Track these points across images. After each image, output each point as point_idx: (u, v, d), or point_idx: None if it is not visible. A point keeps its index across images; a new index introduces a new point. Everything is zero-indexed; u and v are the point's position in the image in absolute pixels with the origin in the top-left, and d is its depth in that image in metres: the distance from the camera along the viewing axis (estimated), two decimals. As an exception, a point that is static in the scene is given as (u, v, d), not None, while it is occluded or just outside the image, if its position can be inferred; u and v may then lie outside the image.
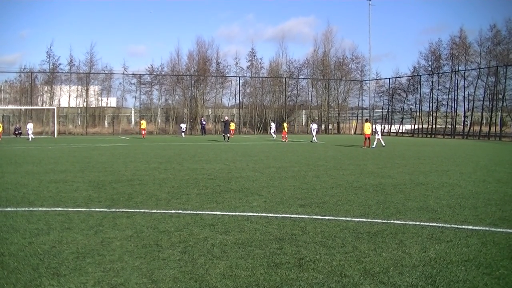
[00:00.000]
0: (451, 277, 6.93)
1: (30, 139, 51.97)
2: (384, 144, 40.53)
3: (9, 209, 11.93)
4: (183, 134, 62.32)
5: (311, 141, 49.01)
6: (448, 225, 10.21)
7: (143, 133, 59.57)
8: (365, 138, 40.61)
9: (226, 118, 57.61)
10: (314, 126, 51.40)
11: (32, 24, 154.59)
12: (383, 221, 10.65)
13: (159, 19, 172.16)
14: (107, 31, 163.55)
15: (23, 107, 73.51)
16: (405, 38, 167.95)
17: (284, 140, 51.96)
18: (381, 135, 41.26)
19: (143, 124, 60.81)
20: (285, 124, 55.37)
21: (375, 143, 40.07)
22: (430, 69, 75.38)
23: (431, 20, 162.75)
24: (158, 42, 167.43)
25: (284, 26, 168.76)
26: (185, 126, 67.68)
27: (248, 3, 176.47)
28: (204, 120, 71.91)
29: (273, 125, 61.79)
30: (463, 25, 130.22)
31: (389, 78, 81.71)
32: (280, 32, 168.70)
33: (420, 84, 75.92)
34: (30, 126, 54.82)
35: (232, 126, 57.64)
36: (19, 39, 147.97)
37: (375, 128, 41.35)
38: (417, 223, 10.44)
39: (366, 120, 43.78)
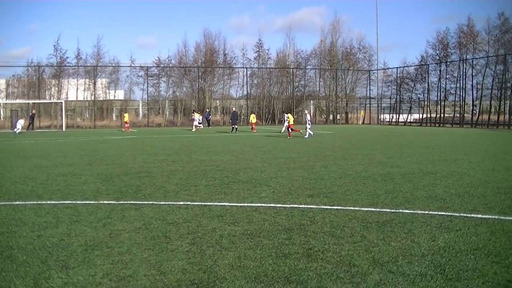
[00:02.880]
0: (460, 266, 6.92)
1: (17, 132, 52.22)
2: (307, 135, 39.92)
3: (17, 202, 11.98)
4: (201, 125, 61.61)
5: (281, 131, 48.44)
6: (457, 214, 10.19)
7: (125, 126, 58.76)
8: (291, 129, 41.19)
9: (234, 109, 57.34)
10: (286, 117, 51.16)
11: (41, 18, 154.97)
12: (392, 210, 10.65)
13: (167, 11, 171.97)
14: (113, 24, 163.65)
15: (31, 101, 73.53)
16: (413, 28, 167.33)
17: (253, 131, 51.92)
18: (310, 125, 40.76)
19: (126, 117, 60.42)
20: (252, 115, 55.12)
21: (307, 133, 39.94)
22: (438, 58, 74.99)
23: (440, 9, 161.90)
24: (166, 34, 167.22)
25: (295, 16, 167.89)
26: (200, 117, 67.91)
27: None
28: (201, 113, 71.49)
29: (195, 116, 59.31)
30: (471, 13, 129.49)
31: (397, 68, 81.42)
32: (291, 22, 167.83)
33: (428, 73, 75.55)
34: (21, 121, 55.00)
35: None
36: (28, 33, 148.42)
37: (307, 118, 40.95)
38: (426, 212, 10.44)
39: (288, 112, 44.13)
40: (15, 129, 52.85)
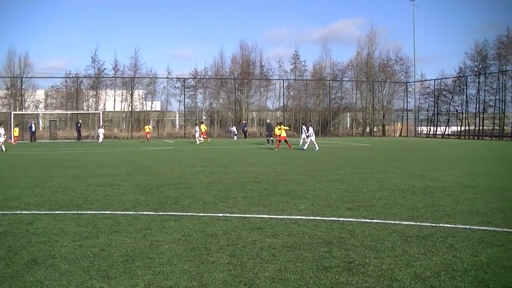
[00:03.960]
0: (505, 283, 6.81)
1: (100, 141, 52.75)
2: (305, 147, 39.44)
3: (58, 212, 12.09)
4: (202, 138, 59.98)
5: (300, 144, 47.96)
6: (499, 229, 10.03)
7: (148, 137, 60.77)
8: (278, 141, 40.96)
9: (269, 121, 56.92)
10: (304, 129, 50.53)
11: (79, 30, 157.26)
12: (432, 224, 10.53)
13: (204, 23, 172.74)
14: (150, 36, 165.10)
15: (69, 112, 74.45)
16: (451, 39, 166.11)
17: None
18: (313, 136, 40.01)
19: (147, 128, 62.48)
20: (277, 127, 54.76)
21: (306, 145, 39.43)
22: (476, 69, 74.23)
23: (478, 20, 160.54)
24: (203, 46, 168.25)
25: (332, 27, 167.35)
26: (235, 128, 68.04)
27: (297, 5, 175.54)
28: (234, 126, 71.39)
29: (197, 128, 56.57)
30: (511, 24, 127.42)
31: (434, 80, 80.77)
32: (328, 34, 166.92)
33: (466, 85, 74.81)
34: (101, 130, 55.74)
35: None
36: (66, 45, 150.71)
37: (307, 130, 40.22)
38: (467, 226, 10.30)
39: (279, 123, 43.54)
40: (100, 139, 53.18)
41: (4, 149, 39.32)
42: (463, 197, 14.21)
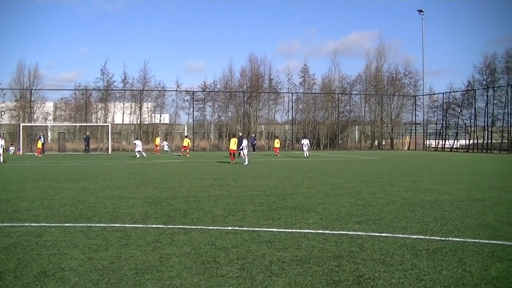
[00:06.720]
0: (515, 297, 6.80)
1: (137, 155, 50.66)
2: (246, 163, 37.71)
3: (67, 224, 12.13)
4: (142, 152, 57.68)
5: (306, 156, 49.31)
6: (509, 243, 10.02)
7: (156, 149, 60.92)
8: (230, 154, 40.64)
9: (240, 134, 54.06)
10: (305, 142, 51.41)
11: (90, 42, 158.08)
12: (442, 238, 10.53)
13: (215, 35, 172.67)
14: (160, 48, 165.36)
15: (78, 124, 74.66)
16: (460, 52, 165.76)
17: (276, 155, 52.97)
18: (247, 151, 39.31)
19: (157, 140, 63.69)
20: (276, 140, 55.60)
21: (246, 159, 38.49)
22: (485, 83, 74.04)
23: (488, 34, 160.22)
24: (213, 59, 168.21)
25: (346, 40, 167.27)
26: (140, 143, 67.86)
27: (310, 17, 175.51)
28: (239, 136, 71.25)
29: (137, 142, 53.82)
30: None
31: (443, 93, 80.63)
32: (340, 46, 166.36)
33: (474, 99, 74.51)
34: (138, 143, 52.62)
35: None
36: (78, 56, 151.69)
37: (241, 143, 39.47)
38: (477, 240, 10.28)
39: (234, 136, 43.14)
40: (137, 152, 50.57)
41: (1, 160, 39.21)
42: (472, 211, 14.20)
